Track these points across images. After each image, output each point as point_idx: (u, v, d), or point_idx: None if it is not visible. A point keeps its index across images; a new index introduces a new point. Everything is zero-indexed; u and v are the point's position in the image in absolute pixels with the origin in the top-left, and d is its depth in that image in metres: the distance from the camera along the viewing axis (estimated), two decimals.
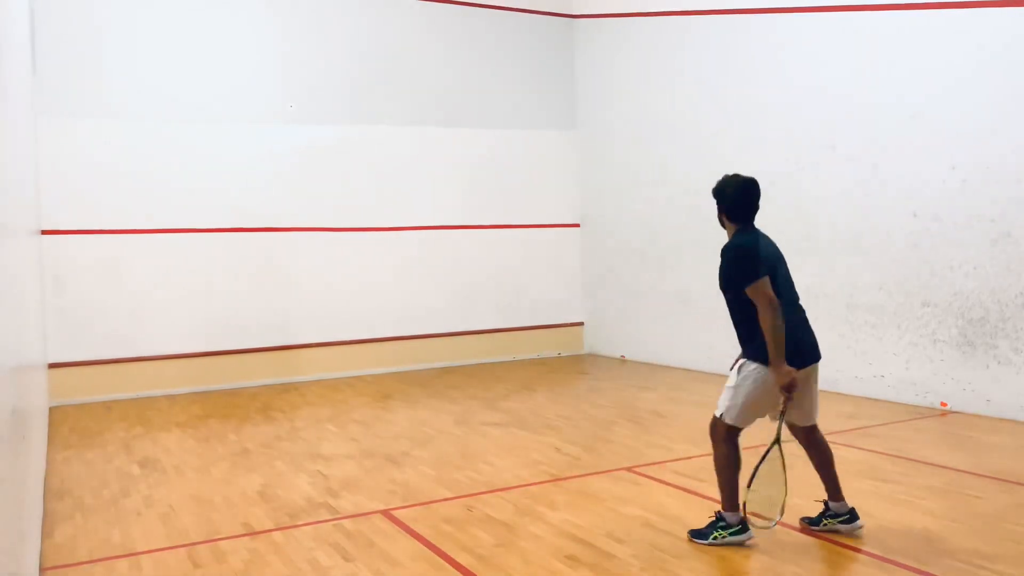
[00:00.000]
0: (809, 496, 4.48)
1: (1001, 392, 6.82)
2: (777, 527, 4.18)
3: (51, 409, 8.45)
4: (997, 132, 6.79)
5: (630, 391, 8.77)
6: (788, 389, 3.93)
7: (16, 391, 3.47)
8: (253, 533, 4.60)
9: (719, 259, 4.14)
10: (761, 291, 3.94)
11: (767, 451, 4.10)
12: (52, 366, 8.74)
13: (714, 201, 4.24)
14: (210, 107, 9.69)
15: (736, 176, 4.23)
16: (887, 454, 5.84)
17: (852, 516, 4.23)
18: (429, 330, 10.86)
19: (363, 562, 4.11)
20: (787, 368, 3.91)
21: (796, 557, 3.94)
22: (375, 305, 10.50)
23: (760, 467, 4.08)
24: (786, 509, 4.11)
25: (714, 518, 4.20)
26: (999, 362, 6.85)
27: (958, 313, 7.12)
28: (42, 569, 4.14)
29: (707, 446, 6.19)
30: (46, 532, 4.70)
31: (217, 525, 4.76)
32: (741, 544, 4.10)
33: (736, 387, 4.11)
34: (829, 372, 8.13)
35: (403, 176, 10.73)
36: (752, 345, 4.05)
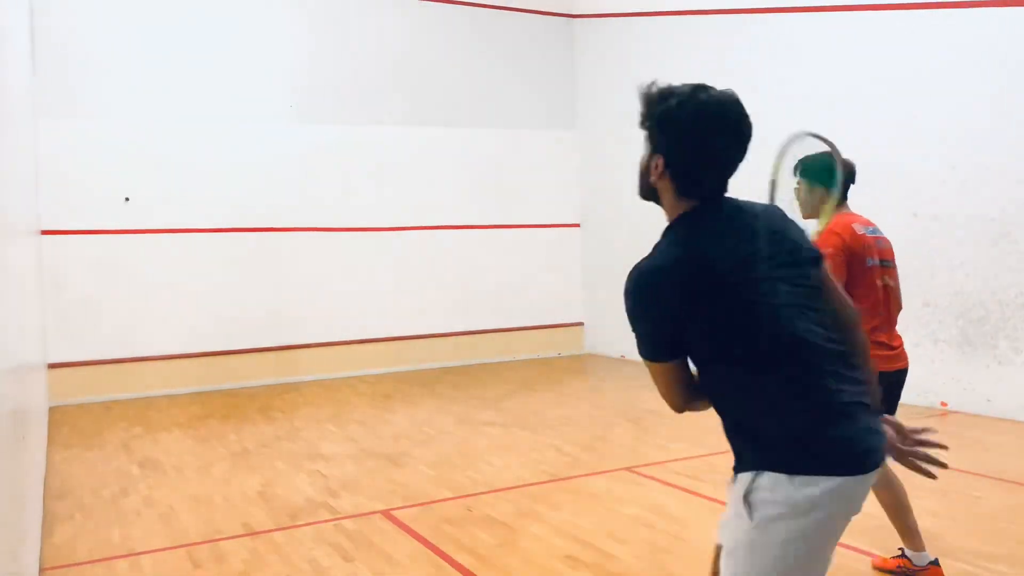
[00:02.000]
0: None
1: (1001, 392, 6.82)
2: None
3: (51, 409, 8.45)
4: (997, 132, 6.79)
5: (630, 391, 8.77)
6: None
7: (16, 391, 3.47)
8: (253, 533, 4.60)
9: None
10: None
11: None
12: (52, 366, 8.73)
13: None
14: (210, 107, 9.69)
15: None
16: None
17: None
18: (429, 330, 10.85)
19: (363, 562, 4.10)
20: None
21: None
22: (375, 305, 10.50)
23: None
24: None
25: None
26: (999, 362, 6.84)
27: (958, 313, 7.11)
28: (42, 569, 4.14)
29: (707, 446, 6.23)
30: (46, 532, 4.69)
31: (217, 525, 4.76)
32: None
33: None
34: None
35: (403, 176, 10.73)
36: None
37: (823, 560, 1.92)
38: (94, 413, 8.38)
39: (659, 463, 5.80)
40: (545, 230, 11.70)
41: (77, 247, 9.03)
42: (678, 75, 9.48)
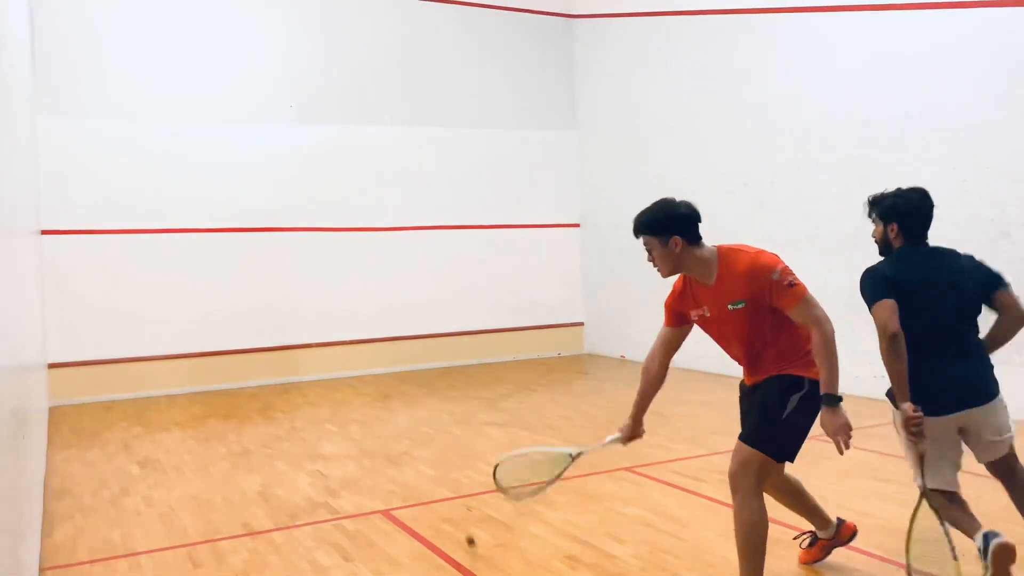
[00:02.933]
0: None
1: (1001, 392, 6.80)
2: (773, 525, 4.16)
3: (51, 409, 8.45)
4: (997, 132, 6.79)
5: (630, 391, 8.69)
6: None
7: (16, 391, 3.47)
8: (253, 533, 4.60)
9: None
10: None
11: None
12: (52, 366, 8.74)
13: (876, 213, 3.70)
14: (210, 107, 9.69)
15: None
16: (887, 454, 5.83)
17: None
18: (429, 330, 10.85)
19: (363, 562, 4.10)
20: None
21: (795, 557, 3.94)
22: (375, 305, 10.50)
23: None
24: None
25: None
26: (999, 362, 6.80)
27: None
28: (42, 569, 4.14)
29: (707, 446, 6.24)
30: (46, 532, 4.69)
31: (217, 525, 4.76)
32: None
33: None
34: None
35: (403, 176, 10.73)
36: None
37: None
38: (94, 413, 8.38)
39: (659, 463, 5.80)
40: (545, 230, 11.70)
41: (77, 247, 9.03)
42: (678, 75, 9.62)
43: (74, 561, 4.26)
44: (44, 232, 8.73)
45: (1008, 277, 7.53)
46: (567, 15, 11.78)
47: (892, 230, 3.67)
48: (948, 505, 3.53)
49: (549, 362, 11.16)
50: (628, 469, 5.67)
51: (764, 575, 3.34)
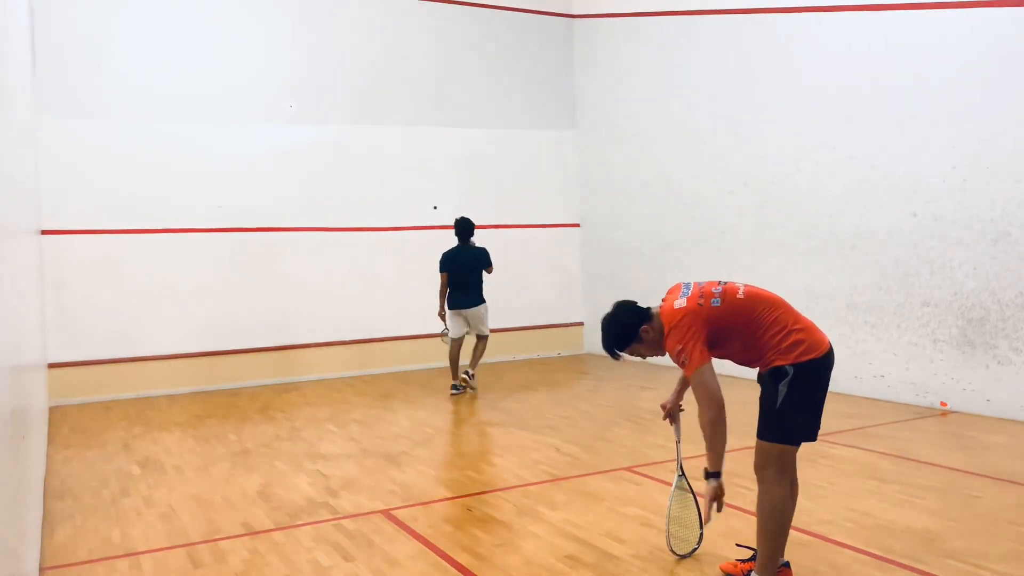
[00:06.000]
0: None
1: (1001, 392, 6.82)
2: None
3: (51, 409, 8.45)
4: (997, 132, 6.80)
5: (630, 391, 8.77)
6: None
7: (16, 391, 3.47)
8: (253, 533, 4.60)
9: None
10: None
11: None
12: (52, 366, 8.74)
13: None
14: (210, 107, 9.69)
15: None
16: (887, 454, 5.84)
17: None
18: (429, 330, 10.82)
19: (363, 562, 4.11)
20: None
21: (795, 556, 3.93)
22: (375, 305, 10.50)
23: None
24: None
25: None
26: (999, 362, 6.85)
27: (958, 313, 7.12)
28: (42, 569, 4.14)
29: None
30: (46, 532, 4.70)
31: (217, 525, 4.76)
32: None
33: None
34: None
35: (403, 176, 10.74)
36: None
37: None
38: (94, 413, 8.38)
39: (659, 463, 5.80)
40: (545, 230, 11.70)
41: (77, 247, 9.03)
42: (678, 75, 9.68)
43: (74, 561, 4.26)
44: (44, 232, 8.74)
45: (1009, 277, 7.61)
46: (567, 15, 11.78)
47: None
48: (454, 344, 8.81)
49: (549, 362, 11.16)
50: (628, 469, 5.67)
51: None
